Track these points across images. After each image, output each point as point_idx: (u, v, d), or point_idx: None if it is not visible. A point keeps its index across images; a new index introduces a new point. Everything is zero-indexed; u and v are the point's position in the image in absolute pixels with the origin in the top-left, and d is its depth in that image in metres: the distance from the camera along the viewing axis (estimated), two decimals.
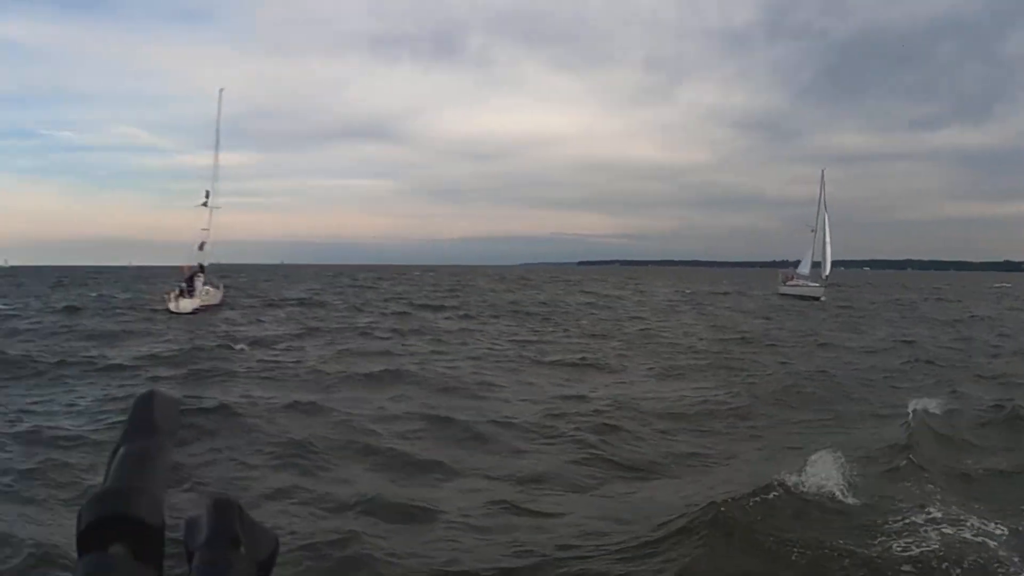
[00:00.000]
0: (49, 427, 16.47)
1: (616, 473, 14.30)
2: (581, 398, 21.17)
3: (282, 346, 32.48)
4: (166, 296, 52.40)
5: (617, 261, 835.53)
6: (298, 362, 27.08)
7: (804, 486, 11.91)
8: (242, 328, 40.70)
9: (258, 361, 27.11)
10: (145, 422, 0.88)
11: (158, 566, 0.80)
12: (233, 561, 0.79)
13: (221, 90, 63.85)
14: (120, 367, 25.97)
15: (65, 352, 28.53)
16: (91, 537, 0.78)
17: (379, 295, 78.37)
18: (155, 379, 23.70)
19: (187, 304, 50.55)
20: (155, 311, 50.91)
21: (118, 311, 53.33)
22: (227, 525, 0.82)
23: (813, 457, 12.88)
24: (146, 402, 0.90)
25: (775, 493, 11.61)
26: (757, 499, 11.39)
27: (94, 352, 29.17)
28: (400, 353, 30.47)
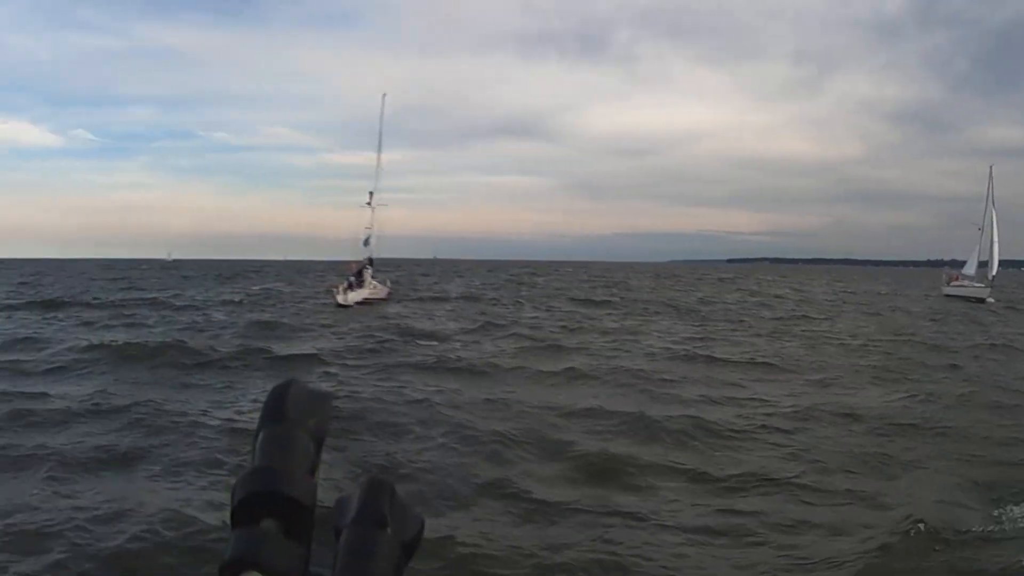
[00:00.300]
0: (233, 419, 16.79)
1: (828, 476, 13.68)
2: (766, 399, 20.65)
3: (458, 341, 32.73)
4: (335, 289, 53.66)
5: (765, 259, 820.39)
6: (478, 356, 27.28)
7: None
8: (414, 322, 41.11)
9: (440, 355, 27.25)
10: (278, 409, 0.89)
11: (307, 542, 0.82)
12: (379, 540, 0.81)
13: (384, 95, 65.44)
14: (305, 357, 26.73)
15: (247, 345, 29.31)
16: (244, 512, 0.82)
17: (537, 291, 78.13)
18: (344, 369, 24.23)
19: (355, 297, 51.88)
20: (325, 304, 52.59)
21: (288, 304, 54.96)
22: (376, 505, 0.83)
23: None
24: (282, 391, 0.91)
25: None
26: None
27: (276, 344, 30.03)
28: (573, 348, 30.52)
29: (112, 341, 28.77)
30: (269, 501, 0.82)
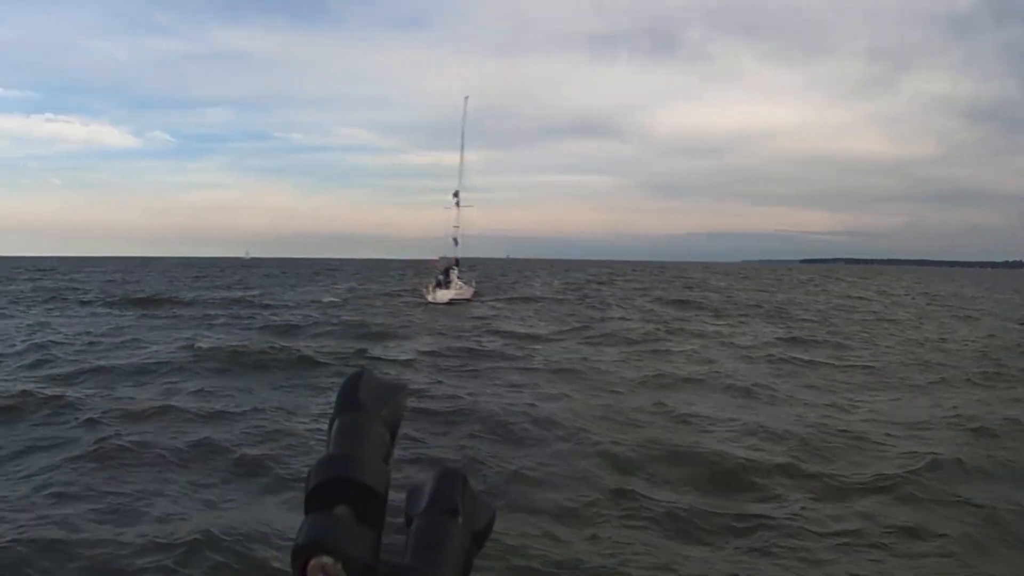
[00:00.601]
0: None
1: (962, 484, 12.88)
2: (874, 404, 20.01)
3: (555, 342, 32.26)
4: (424, 288, 54.29)
5: (840, 259, 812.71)
6: (579, 358, 26.83)
7: None
8: (506, 323, 40.79)
9: (542, 357, 26.82)
10: (351, 399, 0.90)
11: (378, 529, 0.82)
12: (449, 529, 0.83)
13: (467, 97, 67.46)
14: (406, 358, 26.60)
15: (345, 347, 29.19)
16: (317, 498, 0.83)
17: (619, 291, 77.29)
18: (445, 371, 23.96)
19: (443, 295, 52.31)
20: (415, 303, 52.93)
21: (377, 303, 55.22)
22: (448, 494, 0.85)
23: None
24: (354, 381, 0.92)
25: None
26: None
27: (374, 345, 30.08)
28: (671, 351, 30.04)
29: (218, 341, 29.20)
30: (342, 487, 0.82)
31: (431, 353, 28.01)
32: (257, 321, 40.38)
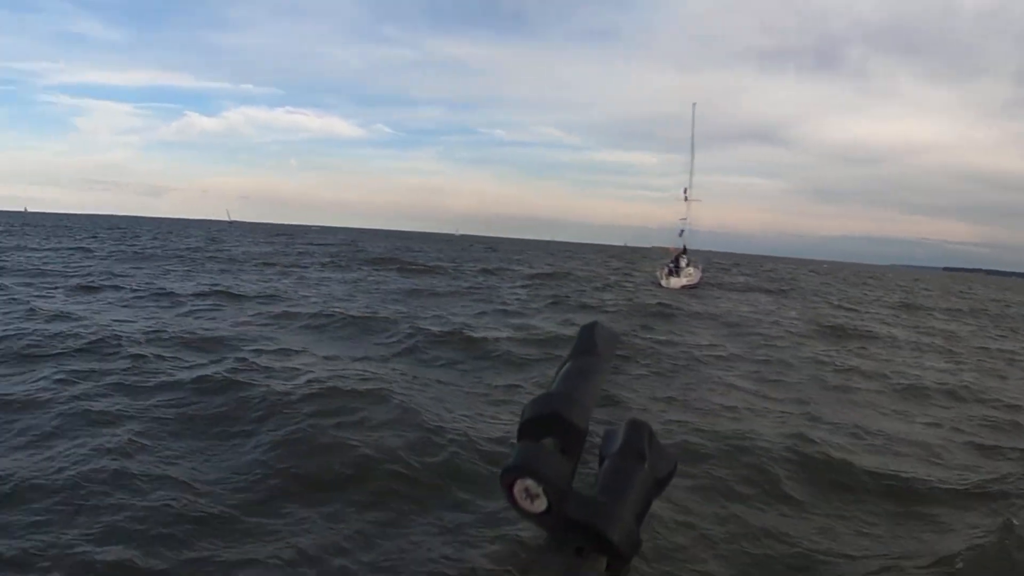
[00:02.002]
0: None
1: None
2: None
3: (815, 343, 27.93)
4: (658, 273, 54.37)
5: (981, 269, 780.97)
6: (861, 363, 23.79)
7: None
8: (753, 313, 37.10)
9: (828, 360, 24.09)
10: (588, 344, 0.91)
11: (576, 462, 0.84)
12: (636, 472, 0.85)
13: (695, 104, 64.23)
14: (691, 344, 24.26)
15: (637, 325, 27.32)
16: (530, 428, 0.86)
17: (820, 289, 73.04)
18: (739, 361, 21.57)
19: (676, 282, 51.24)
20: (643, 284, 51.15)
21: (612, 285, 52.78)
22: (637, 441, 0.87)
23: None
24: (590, 329, 0.93)
25: None
26: None
27: (644, 330, 27.56)
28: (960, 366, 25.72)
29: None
30: (553, 422, 0.85)
31: (713, 344, 25.61)
32: (525, 296, 39.31)
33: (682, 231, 58.29)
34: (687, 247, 57.25)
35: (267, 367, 15.55)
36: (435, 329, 21.68)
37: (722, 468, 10.80)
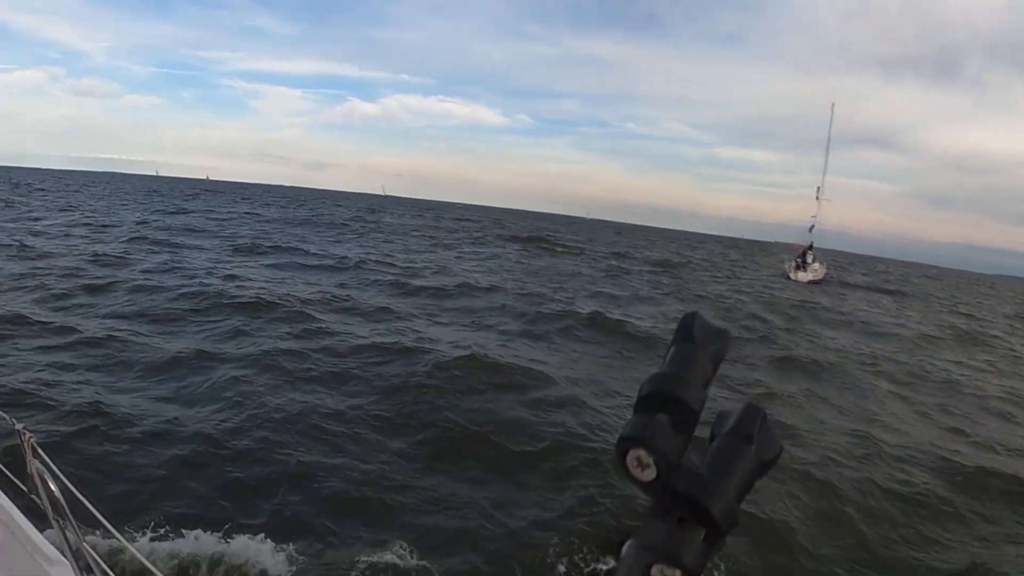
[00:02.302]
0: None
1: None
2: None
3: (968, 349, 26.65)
4: (786, 267, 52.96)
5: None
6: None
7: None
8: (878, 313, 35.40)
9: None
10: (687, 332, 0.91)
11: (687, 438, 0.84)
12: (743, 452, 0.83)
13: (833, 104, 63.37)
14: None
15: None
16: (646, 403, 0.86)
17: (927, 287, 69.25)
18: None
19: (803, 276, 49.96)
20: (771, 277, 50.13)
21: (762, 276, 51.78)
22: (747, 424, 0.85)
23: None
24: (689, 319, 0.93)
25: None
26: None
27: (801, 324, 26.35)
28: None
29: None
30: (666, 399, 0.85)
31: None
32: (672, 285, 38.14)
33: (812, 228, 56.07)
34: (814, 244, 55.15)
35: (434, 338, 15.36)
36: (583, 311, 21.11)
37: (877, 471, 10.32)
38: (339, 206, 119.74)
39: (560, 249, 54.98)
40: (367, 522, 7.36)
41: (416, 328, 16.62)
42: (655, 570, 0.79)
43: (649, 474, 0.82)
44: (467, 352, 13.66)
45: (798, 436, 11.50)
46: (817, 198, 58.03)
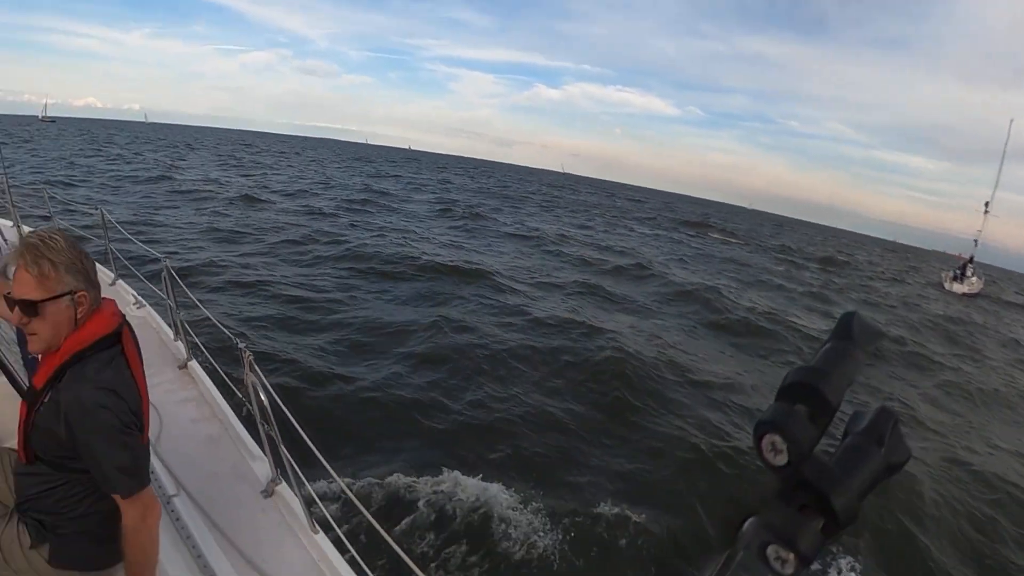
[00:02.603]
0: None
1: None
2: None
3: None
4: (943, 276, 49.91)
5: None
6: None
7: None
8: None
9: None
10: (845, 330, 0.89)
11: (821, 431, 0.83)
12: (872, 453, 0.81)
13: (1011, 120, 60.52)
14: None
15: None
16: (787, 392, 0.84)
17: None
18: None
19: (959, 288, 46.69)
20: (930, 288, 46.77)
21: (903, 283, 48.18)
22: (880, 427, 0.83)
23: None
24: (849, 317, 0.91)
25: None
26: None
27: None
28: None
29: None
30: (808, 391, 0.83)
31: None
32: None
33: (976, 241, 52.63)
34: (975, 257, 51.55)
35: (615, 321, 15.15)
36: (761, 307, 20.41)
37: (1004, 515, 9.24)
38: (524, 180, 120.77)
39: (733, 241, 53.18)
40: (573, 470, 7.86)
41: (597, 305, 16.59)
42: (771, 549, 0.80)
43: (781, 459, 0.82)
44: (649, 340, 13.61)
45: (930, 451, 10.91)
46: (985, 212, 54.33)
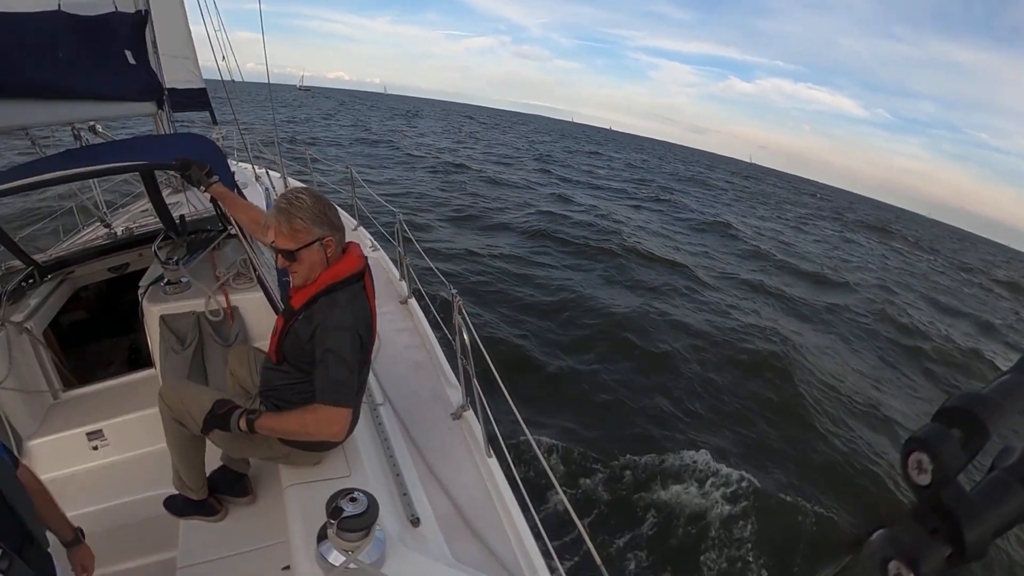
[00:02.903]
0: None
1: None
2: None
3: None
4: None
5: None
6: None
7: None
8: None
9: None
10: None
11: (969, 460, 0.75)
12: (1016, 492, 0.74)
13: None
14: None
15: None
16: (945, 414, 0.77)
17: None
18: None
19: None
20: None
21: None
22: None
23: None
24: None
25: None
26: None
27: None
28: None
29: None
30: (968, 418, 0.75)
31: None
32: None
33: None
34: None
35: (793, 329, 13.97)
36: (959, 340, 17.59)
37: None
38: (713, 168, 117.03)
39: (910, 248, 48.69)
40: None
41: (764, 311, 15.00)
42: (892, 564, 0.75)
43: (924, 479, 0.76)
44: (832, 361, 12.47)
45: None
46: None
